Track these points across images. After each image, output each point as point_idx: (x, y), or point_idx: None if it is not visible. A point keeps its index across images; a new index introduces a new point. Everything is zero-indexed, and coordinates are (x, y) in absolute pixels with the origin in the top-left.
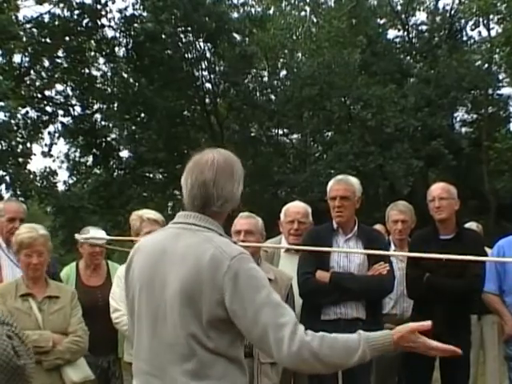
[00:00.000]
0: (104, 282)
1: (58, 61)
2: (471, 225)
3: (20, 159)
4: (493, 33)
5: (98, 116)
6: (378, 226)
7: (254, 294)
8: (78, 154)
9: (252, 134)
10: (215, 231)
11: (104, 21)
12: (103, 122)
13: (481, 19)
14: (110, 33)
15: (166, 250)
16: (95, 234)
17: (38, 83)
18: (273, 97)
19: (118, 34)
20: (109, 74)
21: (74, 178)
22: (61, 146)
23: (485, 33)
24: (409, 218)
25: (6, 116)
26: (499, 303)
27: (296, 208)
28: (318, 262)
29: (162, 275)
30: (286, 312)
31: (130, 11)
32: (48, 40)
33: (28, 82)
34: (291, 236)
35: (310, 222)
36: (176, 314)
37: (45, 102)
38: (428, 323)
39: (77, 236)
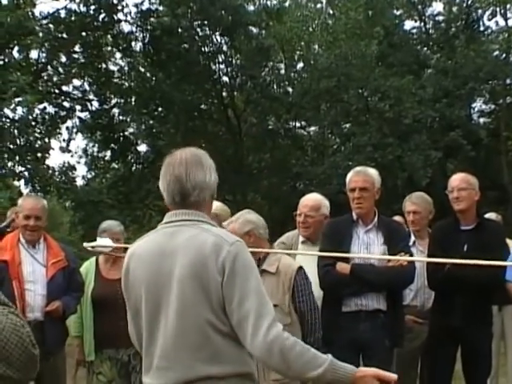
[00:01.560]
0: None
1: (75, 56)
2: (491, 215)
3: (38, 154)
4: (510, 22)
5: (115, 111)
6: (397, 218)
7: (246, 280)
8: (96, 149)
9: (270, 127)
10: (208, 223)
11: (120, 15)
12: (121, 117)
13: (498, 9)
14: (126, 27)
15: (165, 248)
16: (102, 242)
17: (55, 79)
18: (290, 89)
19: (134, 29)
20: (126, 68)
21: (93, 173)
22: (79, 141)
23: (502, 22)
24: (422, 209)
25: (23, 112)
26: None
27: (305, 201)
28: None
29: (166, 272)
30: (269, 305)
31: (146, 5)
32: (64, 35)
33: (45, 78)
34: (300, 228)
35: (321, 215)
36: (188, 303)
37: (62, 98)
38: (393, 376)
39: (85, 244)
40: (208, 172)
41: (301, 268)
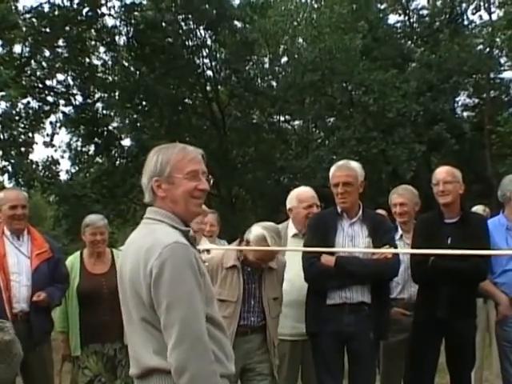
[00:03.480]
0: (109, 270)
1: (59, 50)
2: (478, 208)
3: (22, 149)
4: (494, 16)
5: (99, 105)
6: (380, 211)
7: (176, 286)
8: (79, 144)
9: (254, 121)
10: (165, 222)
11: (104, 9)
12: (105, 111)
13: (482, 3)
14: (110, 21)
15: (130, 245)
16: None
17: (38, 73)
18: (274, 83)
19: (118, 23)
20: (109, 62)
21: (77, 168)
22: (62, 136)
23: (486, 16)
24: (408, 201)
25: (7, 106)
26: (490, 284)
27: (310, 192)
28: (323, 247)
29: (125, 268)
30: (198, 317)
31: None
32: (48, 30)
33: (29, 72)
34: (304, 221)
35: (318, 206)
36: (130, 301)
37: (46, 92)
38: None
39: None
40: (144, 174)
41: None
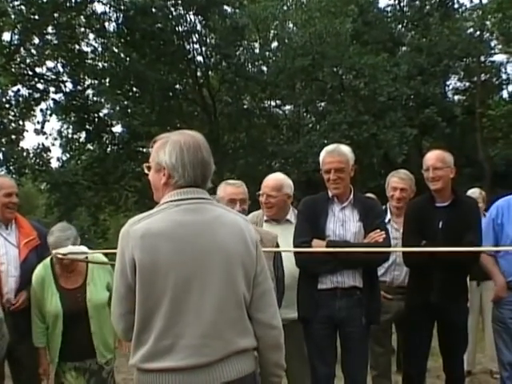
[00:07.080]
0: (83, 282)
1: (48, 37)
2: (474, 191)
3: (13, 137)
4: (484, 0)
5: (89, 92)
6: (369, 195)
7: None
8: (70, 131)
9: (245, 106)
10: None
11: None
12: (95, 98)
13: None
14: (99, 8)
15: (194, 224)
16: (75, 249)
17: (28, 60)
18: (265, 68)
19: (107, 9)
20: (99, 49)
21: (68, 155)
22: (53, 123)
23: (476, 0)
24: (408, 187)
25: None
26: (492, 263)
27: (267, 181)
28: (313, 231)
29: (199, 249)
30: None
31: None
32: (37, 17)
33: (18, 60)
34: (264, 208)
35: (284, 194)
36: (231, 278)
37: (36, 79)
38: None
39: (54, 251)
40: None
41: (277, 237)
